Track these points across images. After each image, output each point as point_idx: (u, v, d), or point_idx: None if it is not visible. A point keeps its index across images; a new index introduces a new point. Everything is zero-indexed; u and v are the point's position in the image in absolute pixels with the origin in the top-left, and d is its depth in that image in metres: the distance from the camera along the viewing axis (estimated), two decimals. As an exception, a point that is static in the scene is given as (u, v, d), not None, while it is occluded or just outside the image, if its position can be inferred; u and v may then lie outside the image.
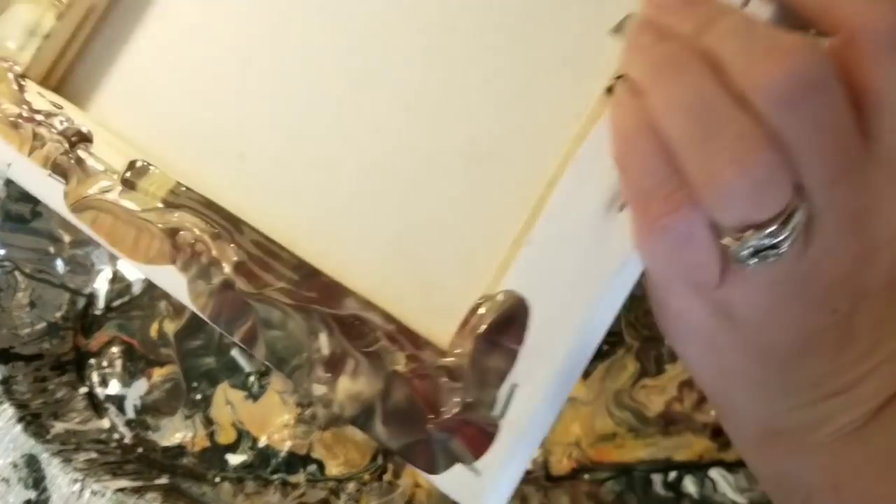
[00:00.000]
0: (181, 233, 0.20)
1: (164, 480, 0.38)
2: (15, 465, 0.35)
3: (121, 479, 0.36)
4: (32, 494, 0.35)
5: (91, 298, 0.42)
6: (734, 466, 0.38)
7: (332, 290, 0.18)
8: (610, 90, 0.18)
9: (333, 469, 0.39)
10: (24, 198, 0.39)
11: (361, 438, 0.39)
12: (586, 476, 0.38)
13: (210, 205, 0.20)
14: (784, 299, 0.19)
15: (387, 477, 0.39)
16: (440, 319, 0.18)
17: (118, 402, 0.40)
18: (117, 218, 0.21)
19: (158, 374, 0.40)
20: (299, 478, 0.39)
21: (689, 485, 0.38)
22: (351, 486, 0.38)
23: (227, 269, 0.19)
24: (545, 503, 0.37)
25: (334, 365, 0.18)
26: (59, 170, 0.23)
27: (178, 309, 0.41)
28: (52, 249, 0.41)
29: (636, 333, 0.40)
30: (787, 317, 0.19)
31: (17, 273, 0.39)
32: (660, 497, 0.37)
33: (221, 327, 0.19)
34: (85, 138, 0.22)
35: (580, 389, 0.39)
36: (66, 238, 0.41)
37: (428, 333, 0.17)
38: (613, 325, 0.41)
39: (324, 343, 0.18)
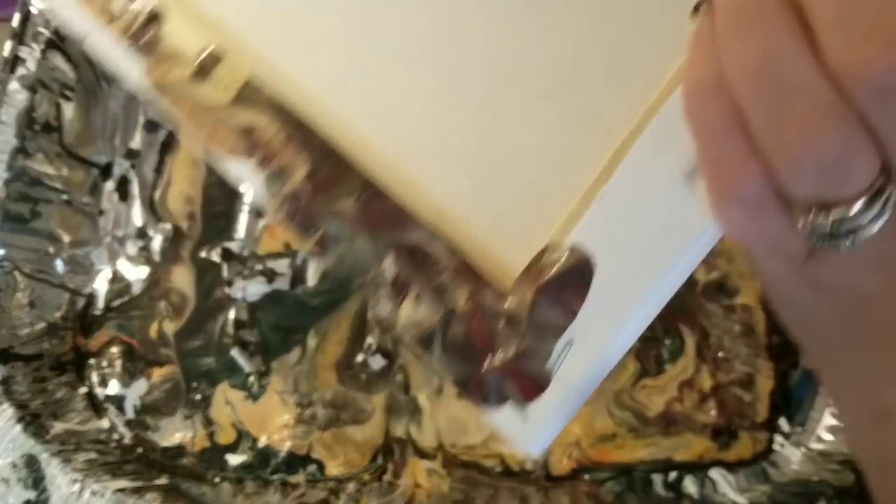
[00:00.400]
0: (255, 132, 0.20)
1: (163, 481, 0.38)
2: (14, 466, 0.35)
3: (120, 480, 0.36)
4: (32, 495, 0.35)
5: (90, 298, 0.42)
6: (734, 467, 0.38)
7: (398, 216, 0.18)
8: (697, 8, 0.16)
9: (333, 469, 0.39)
10: (23, 198, 0.39)
11: (361, 439, 0.39)
12: (586, 476, 0.38)
13: (282, 108, 0.20)
14: (887, 278, 0.17)
15: (387, 477, 0.39)
16: (504, 257, 0.18)
17: (118, 402, 0.40)
18: (194, 107, 0.20)
19: (158, 374, 0.40)
20: (299, 478, 0.39)
21: (690, 485, 0.38)
22: (351, 487, 0.38)
23: (298, 176, 0.19)
24: (545, 503, 0.37)
25: (398, 289, 0.18)
26: (136, 46, 0.21)
27: (177, 309, 0.41)
28: (51, 249, 0.41)
29: (636, 333, 0.40)
30: (891, 295, 0.17)
31: (16, 273, 0.39)
32: (660, 497, 0.37)
33: (297, 232, 0.19)
34: (160, 16, 0.21)
35: (580, 389, 0.39)
36: (66, 238, 0.41)
37: (490, 269, 0.17)
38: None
39: (389, 267, 0.18)
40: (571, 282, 0.16)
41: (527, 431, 0.17)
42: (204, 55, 0.20)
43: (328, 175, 0.19)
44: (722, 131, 0.16)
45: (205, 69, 0.20)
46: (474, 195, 0.18)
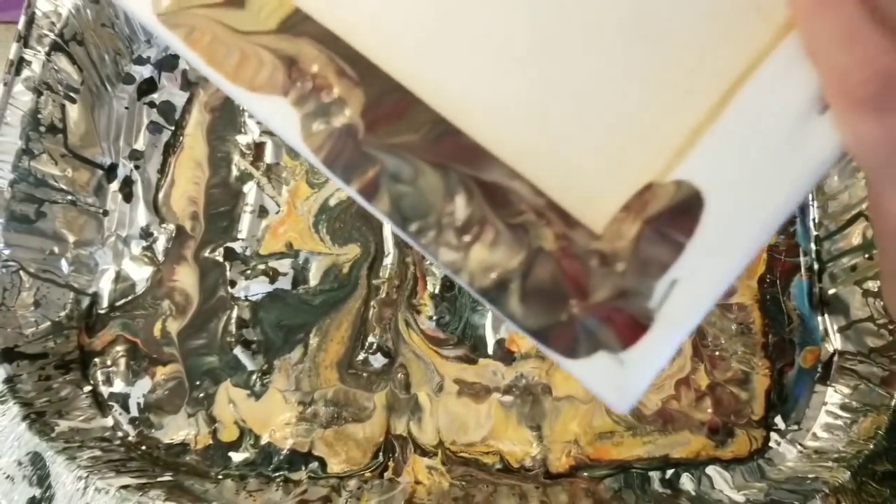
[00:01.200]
0: (299, 63, 0.17)
1: (167, 478, 0.38)
2: (20, 463, 0.35)
3: (124, 477, 0.36)
4: (37, 492, 0.35)
5: (95, 298, 0.42)
6: (731, 464, 0.38)
7: (474, 153, 0.16)
8: None
9: (335, 466, 0.39)
10: (28, 198, 0.39)
11: (362, 436, 0.39)
12: (585, 473, 0.39)
13: (336, 39, 0.17)
14: None
15: (387, 474, 0.39)
16: (593, 204, 0.16)
17: (122, 400, 0.41)
18: (217, 37, 0.18)
19: (161, 372, 0.41)
20: (301, 475, 0.39)
21: (687, 482, 0.38)
22: (352, 484, 0.38)
23: (351, 111, 0.17)
24: (544, 500, 0.37)
25: (470, 231, 0.16)
26: None
27: (180, 308, 0.41)
28: (56, 249, 0.41)
29: (634, 332, 0.40)
30: None
31: (21, 273, 0.39)
32: (657, 494, 0.38)
33: (337, 174, 0.17)
34: None
35: (579, 388, 0.40)
36: (71, 238, 0.41)
37: (579, 209, 0.16)
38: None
39: (460, 206, 0.16)
40: (678, 217, 0.15)
41: (625, 378, 0.16)
42: None
43: (390, 109, 0.17)
44: (849, 29, 0.14)
45: None
46: (566, 133, 0.17)
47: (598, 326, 0.15)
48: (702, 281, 0.16)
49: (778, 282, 0.40)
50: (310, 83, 0.17)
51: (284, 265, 0.42)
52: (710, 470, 0.38)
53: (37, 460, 0.36)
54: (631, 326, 0.15)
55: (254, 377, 0.40)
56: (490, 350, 0.40)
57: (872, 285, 0.36)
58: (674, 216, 0.15)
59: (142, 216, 0.43)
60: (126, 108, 0.44)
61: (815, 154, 0.16)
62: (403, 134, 0.17)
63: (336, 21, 0.18)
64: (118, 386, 0.41)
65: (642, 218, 0.16)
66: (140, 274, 0.42)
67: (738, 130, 0.16)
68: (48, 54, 0.40)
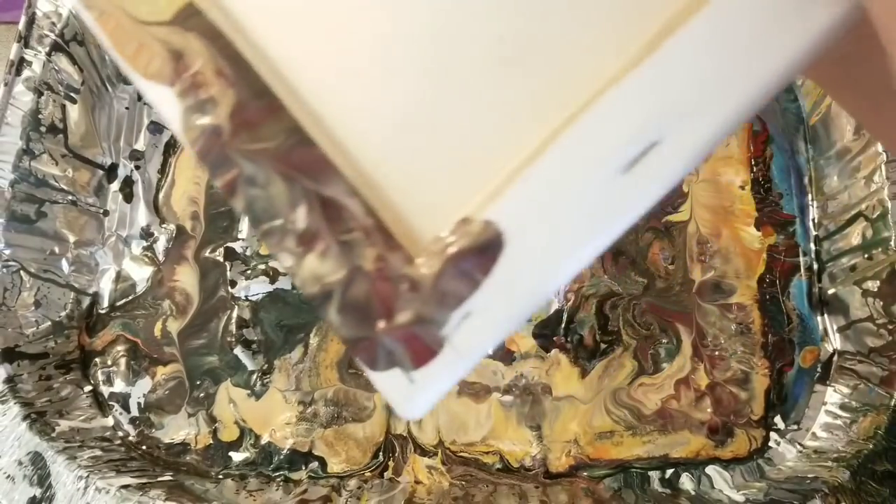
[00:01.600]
0: (184, 58, 0.18)
1: (167, 477, 0.38)
2: (20, 463, 0.35)
3: (125, 476, 0.36)
4: (37, 491, 0.35)
5: (95, 298, 0.42)
6: (730, 463, 0.38)
7: (320, 166, 0.18)
8: None
9: (335, 466, 0.39)
10: (29, 198, 0.39)
11: (362, 436, 0.40)
12: (584, 473, 0.39)
13: (220, 37, 0.18)
14: None
15: (387, 474, 0.39)
16: (420, 223, 0.17)
17: (122, 400, 0.41)
18: (120, 23, 0.19)
19: (162, 372, 0.41)
20: (301, 475, 0.39)
21: (686, 481, 0.38)
22: (352, 483, 0.38)
23: (222, 113, 0.18)
24: (544, 500, 0.37)
25: (306, 241, 0.17)
26: None
27: (181, 308, 0.42)
28: (57, 249, 0.41)
29: (634, 332, 0.40)
30: None
31: (22, 273, 0.39)
32: (657, 494, 0.38)
33: (206, 168, 0.18)
34: None
35: (578, 388, 0.40)
36: (71, 238, 0.41)
37: (403, 232, 0.17)
38: (612, 324, 0.41)
39: (300, 216, 0.17)
40: (479, 255, 0.16)
41: (412, 393, 0.17)
42: None
43: (254, 115, 0.18)
44: None
45: None
46: (401, 159, 0.18)
47: (396, 346, 0.16)
48: (491, 318, 0.16)
49: (777, 282, 0.40)
50: (190, 78, 0.18)
51: (285, 265, 0.42)
52: (710, 470, 0.38)
53: (37, 460, 0.36)
54: (423, 350, 0.16)
55: (254, 377, 0.40)
56: (490, 350, 0.40)
57: (872, 285, 0.36)
58: (476, 253, 0.16)
59: (142, 216, 0.43)
60: (126, 108, 0.44)
61: (618, 214, 0.16)
62: (262, 141, 0.18)
63: (222, 17, 0.19)
64: (119, 386, 0.41)
65: (450, 250, 0.17)
66: (140, 274, 0.42)
67: (550, 178, 0.17)
68: (49, 54, 0.40)
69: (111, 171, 0.44)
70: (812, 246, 0.40)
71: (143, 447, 0.40)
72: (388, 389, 0.17)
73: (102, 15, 0.19)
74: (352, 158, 0.18)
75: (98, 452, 0.38)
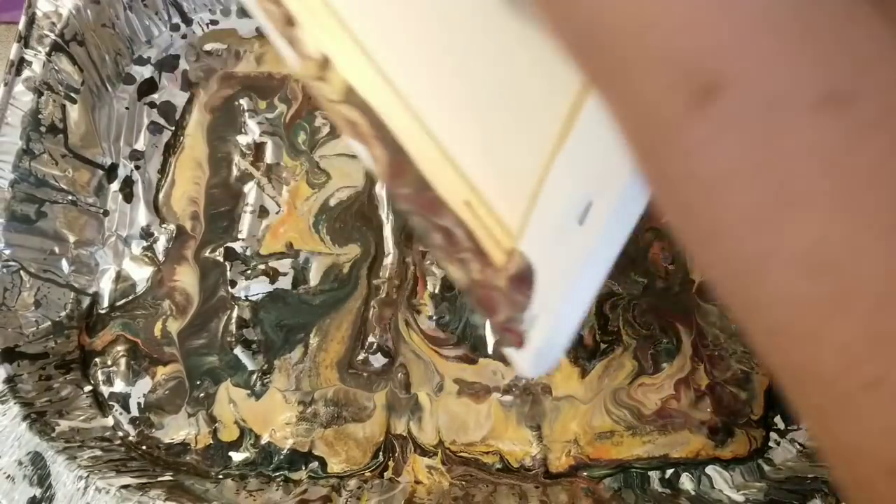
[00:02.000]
0: (356, 126, 0.24)
1: (167, 477, 0.38)
2: (20, 463, 0.36)
3: (125, 476, 0.37)
4: (37, 491, 0.35)
5: (95, 298, 0.42)
6: (730, 463, 0.38)
7: (436, 206, 0.22)
8: None
9: (335, 466, 0.39)
10: (29, 198, 0.39)
11: (362, 436, 0.40)
12: (584, 473, 0.39)
13: (370, 110, 0.23)
14: None
15: (387, 474, 0.39)
16: (496, 249, 0.22)
17: (122, 400, 0.41)
18: (317, 99, 0.25)
19: (162, 372, 0.41)
20: (301, 475, 0.39)
21: (686, 481, 0.38)
22: (352, 483, 0.38)
23: (381, 164, 0.23)
24: (544, 500, 0.37)
25: (446, 256, 0.23)
26: (287, 41, 0.25)
27: (181, 308, 0.42)
28: (57, 249, 0.41)
29: (634, 332, 0.40)
30: None
31: (22, 273, 0.39)
32: (657, 494, 0.38)
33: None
34: (294, 20, 0.24)
35: (578, 388, 0.40)
36: (71, 238, 0.41)
37: (491, 254, 0.22)
38: (612, 324, 0.41)
39: (437, 241, 0.23)
40: (523, 276, 0.21)
41: (524, 363, 0.22)
42: (320, 60, 0.24)
43: (397, 167, 0.23)
44: None
45: (322, 72, 0.24)
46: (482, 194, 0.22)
47: (504, 334, 0.22)
48: (547, 319, 0.21)
49: (777, 282, 0.40)
50: (364, 140, 0.24)
51: (285, 265, 0.42)
52: (710, 469, 0.38)
53: (37, 460, 0.36)
54: (518, 337, 0.21)
55: (254, 377, 0.40)
56: (490, 350, 0.40)
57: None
58: (521, 274, 0.21)
59: (142, 216, 0.43)
60: (126, 108, 0.44)
61: (585, 259, 0.20)
62: (404, 186, 0.23)
63: (366, 94, 0.24)
64: (119, 386, 0.41)
65: (509, 271, 0.21)
66: (140, 274, 0.42)
67: (542, 223, 0.20)
68: (49, 54, 0.40)
69: (111, 171, 0.44)
70: (812, 246, 0.40)
71: (143, 447, 0.40)
72: (511, 359, 0.22)
73: (312, 89, 0.25)
74: (455, 199, 0.22)
75: (98, 452, 0.38)
